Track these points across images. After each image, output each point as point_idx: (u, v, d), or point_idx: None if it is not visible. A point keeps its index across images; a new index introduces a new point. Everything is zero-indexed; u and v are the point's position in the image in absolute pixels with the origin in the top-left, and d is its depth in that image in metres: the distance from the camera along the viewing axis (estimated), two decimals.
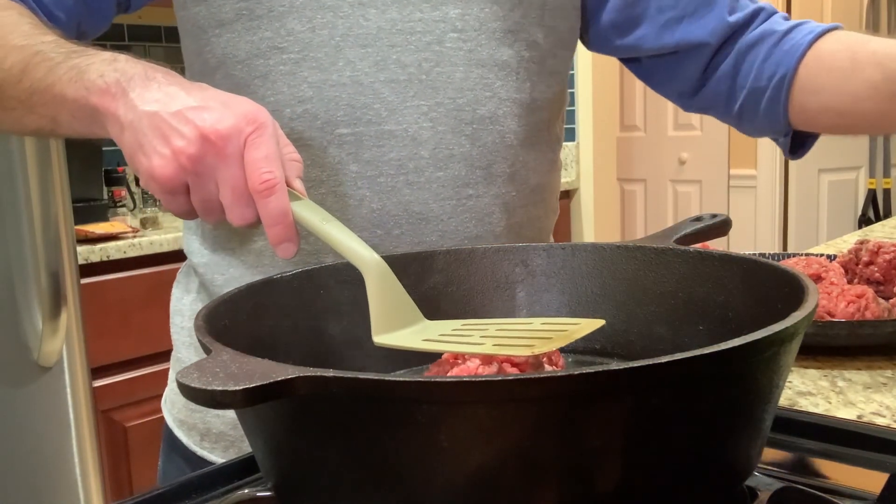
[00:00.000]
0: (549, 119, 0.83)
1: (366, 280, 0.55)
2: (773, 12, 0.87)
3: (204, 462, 0.82)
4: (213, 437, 0.82)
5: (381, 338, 0.54)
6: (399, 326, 0.55)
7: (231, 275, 0.79)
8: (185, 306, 0.85)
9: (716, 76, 0.87)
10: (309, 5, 0.72)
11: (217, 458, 0.81)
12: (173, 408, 0.87)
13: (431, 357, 0.59)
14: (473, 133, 0.75)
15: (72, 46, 0.64)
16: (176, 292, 0.88)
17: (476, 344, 0.50)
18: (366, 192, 0.73)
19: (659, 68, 0.90)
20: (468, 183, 0.75)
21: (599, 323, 0.51)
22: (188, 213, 0.58)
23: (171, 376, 0.90)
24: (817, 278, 0.91)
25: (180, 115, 0.55)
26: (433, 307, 0.67)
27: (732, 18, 0.85)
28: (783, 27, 0.85)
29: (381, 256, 0.68)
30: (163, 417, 0.90)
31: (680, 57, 0.87)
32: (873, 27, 3.66)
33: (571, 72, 3.22)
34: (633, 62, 0.93)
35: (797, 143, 0.88)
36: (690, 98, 0.91)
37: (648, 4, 0.86)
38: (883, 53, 0.76)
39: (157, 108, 0.55)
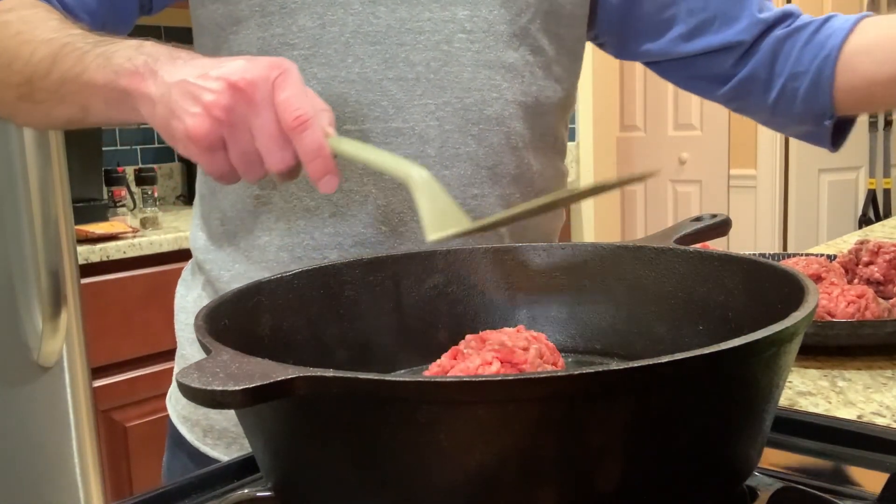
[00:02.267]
0: (554, 124, 0.84)
1: (414, 191, 0.57)
2: (801, 14, 0.88)
3: (207, 458, 0.82)
4: (216, 434, 0.82)
5: (434, 235, 0.55)
6: (450, 227, 0.56)
7: (237, 271, 0.79)
8: (189, 303, 0.85)
9: (750, 67, 0.87)
10: (320, 2, 0.72)
11: (220, 454, 0.82)
12: (177, 404, 0.87)
13: (431, 357, 0.59)
14: (479, 133, 0.76)
15: (98, 36, 0.65)
16: (181, 289, 0.88)
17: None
18: (371, 189, 0.74)
19: (690, 67, 0.90)
20: (473, 182, 0.76)
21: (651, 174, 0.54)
22: (230, 174, 0.59)
23: (176, 373, 0.90)
24: (817, 278, 0.91)
25: (206, 76, 0.56)
26: (433, 307, 0.67)
27: (763, 15, 0.86)
28: (819, 20, 0.86)
29: (383, 256, 0.68)
30: (163, 417, 0.90)
31: (712, 56, 0.87)
32: None
33: None
34: (660, 64, 0.92)
35: (836, 133, 0.87)
36: (720, 88, 0.90)
37: (679, 8, 0.86)
38: None
39: (184, 76, 0.57)
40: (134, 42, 0.63)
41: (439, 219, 0.56)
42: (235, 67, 0.56)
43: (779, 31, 0.86)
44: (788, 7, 0.88)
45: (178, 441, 0.87)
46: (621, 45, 0.91)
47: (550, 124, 0.83)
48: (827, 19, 0.85)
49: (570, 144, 3.28)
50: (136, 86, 0.59)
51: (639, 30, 0.88)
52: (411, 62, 0.73)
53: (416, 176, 0.57)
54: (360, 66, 0.73)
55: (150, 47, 0.61)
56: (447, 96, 0.74)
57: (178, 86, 0.57)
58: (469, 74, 0.75)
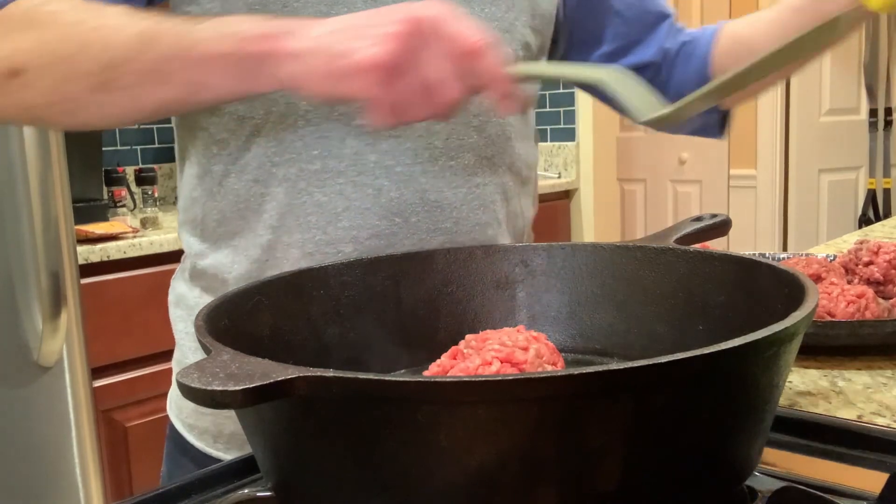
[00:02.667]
0: (533, 115, 0.90)
1: (610, 87, 0.61)
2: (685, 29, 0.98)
3: (215, 461, 0.82)
4: (227, 438, 0.81)
5: (645, 116, 0.59)
6: (657, 109, 0.59)
7: (237, 272, 0.78)
8: (191, 305, 0.84)
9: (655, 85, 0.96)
10: (323, 0, 0.73)
11: (233, 456, 0.81)
12: (181, 413, 0.86)
13: (431, 357, 0.59)
14: (480, 125, 0.79)
15: (176, 16, 0.66)
16: (181, 287, 0.86)
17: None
18: (384, 182, 0.75)
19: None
20: (476, 172, 0.79)
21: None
22: (398, 110, 0.59)
23: (175, 378, 0.89)
24: (817, 278, 0.91)
25: (373, 17, 0.58)
26: (433, 307, 0.67)
27: (667, 45, 0.94)
28: (692, 34, 0.96)
29: (383, 256, 0.68)
30: (163, 417, 0.89)
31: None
32: (873, 27, 3.66)
33: None
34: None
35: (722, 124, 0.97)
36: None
37: (609, 29, 0.93)
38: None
39: (344, 25, 0.58)
40: (237, 17, 0.62)
41: (644, 104, 0.59)
42: (400, 8, 0.57)
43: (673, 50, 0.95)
44: (684, 32, 0.97)
45: (183, 448, 0.86)
46: (559, 52, 0.95)
47: (531, 115, 0.89)
48: (697, 32, 0.96)
49: (569, 144, 3.28)
50: (271, 47, 0.58)
51: (576, 40, 0.93)
52: None
53: (607, 74, 0.61)
54: None
55: (266, 17, 0.61)
56: None
57: (341, 32, 0.57)
58: None
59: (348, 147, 0.74)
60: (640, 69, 0.92)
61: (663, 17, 0.94)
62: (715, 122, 0.95)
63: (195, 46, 0.61)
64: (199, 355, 0.44)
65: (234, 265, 0.78)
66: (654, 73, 0.93)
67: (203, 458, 0.84)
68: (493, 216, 0.80)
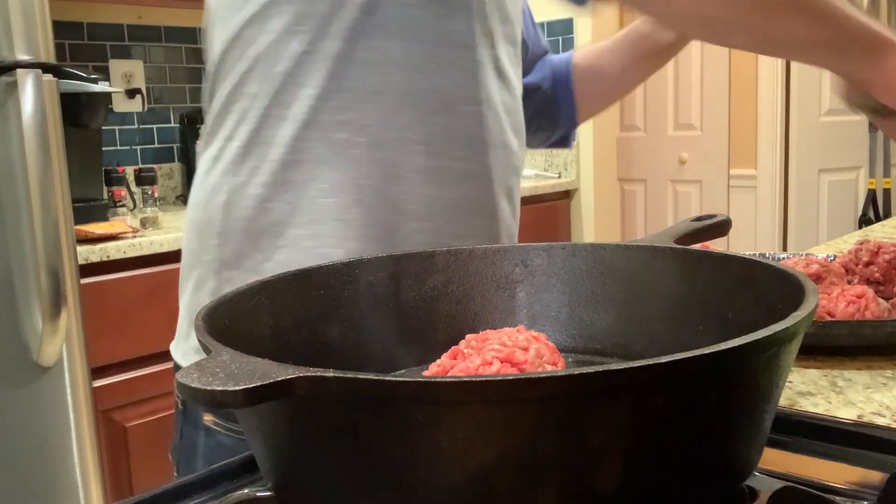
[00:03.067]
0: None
1: None
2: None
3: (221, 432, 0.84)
4: None
5: None
6: None
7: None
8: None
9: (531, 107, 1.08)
10: None
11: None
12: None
13: (431, 357, 0.59)
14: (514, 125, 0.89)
15: None
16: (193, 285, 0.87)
17: None
18: (451, 161, 0.82)
19: None
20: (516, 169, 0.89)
21: None
22: None
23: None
24: (817, 278, 0.91)
25: None
26: (433, 307, 0.67)
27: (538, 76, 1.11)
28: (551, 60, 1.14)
29: (383, 256, 0.68)
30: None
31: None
32: None
33: None
34: None
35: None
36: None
37: (526, 46, 1.05)
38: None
39: None
40: None
41: None
42: None
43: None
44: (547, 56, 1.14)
45: (194, 422, 0.87)
46: None
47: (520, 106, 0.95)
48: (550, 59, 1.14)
49: None
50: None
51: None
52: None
53: None
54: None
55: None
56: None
57: None
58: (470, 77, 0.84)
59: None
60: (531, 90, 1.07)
61: (546, 52, 1.13)
62: (568, 135, 1.15)
63: (836, 14, 0.73)
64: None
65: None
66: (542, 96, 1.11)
67: (210, 429, 0.85)
68: (496, 211, 0.87)
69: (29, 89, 1.45)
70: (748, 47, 0.82)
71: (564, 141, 1.17)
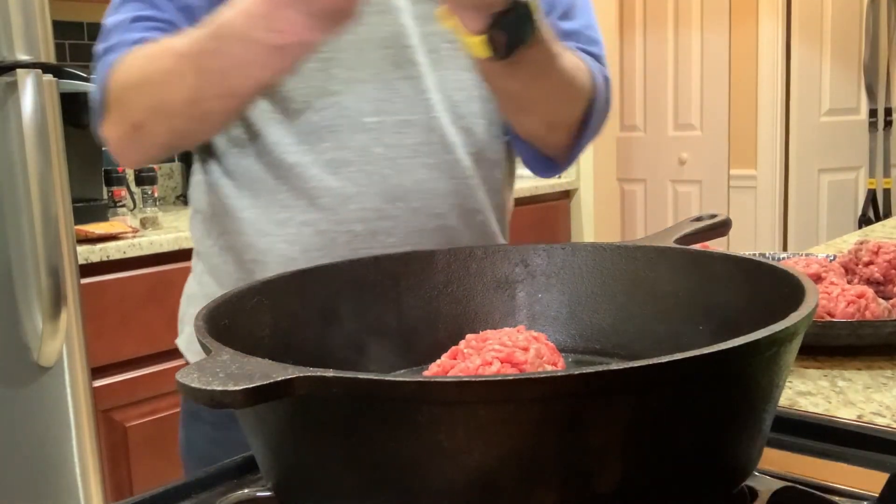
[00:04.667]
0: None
1: None
2: None
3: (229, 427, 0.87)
4: None
5: None
6: None
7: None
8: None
9: None
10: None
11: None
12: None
13: (431, 357, 0.59)
14: (466, 125, 0.87)
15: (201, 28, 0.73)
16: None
17: None
18: (389, 171, 0.83)
19: None
20: (465, 165, 0.86)
21: None
22: None
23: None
24: (817, 278, 0.91)
25: None
26: (433, 307, 0.67)
27: None
28: None
29: (383, 256, 0.68)
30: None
31: None
32: (873, 27, 3.66)
33: None
34: None
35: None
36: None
37: None
38: None
39: None
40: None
41: None
42: None
43: None
44: None
45: (197, 414, 0.91)
46: None
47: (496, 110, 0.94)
48: None
49: None
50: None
51: None
52: (415, 63, 0.84)
53: None
54: (375, 67, 0.83)
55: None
56: (442, 94, 0.85)
57: None
58: (454, 76, 0.86)
59: (357, 141, 0.83)
60: None
61: None
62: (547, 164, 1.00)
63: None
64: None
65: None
66: None
67: (217, 422, 0.88)
68: (482, 204, 0.88)
69: (29, 89, 1.45)
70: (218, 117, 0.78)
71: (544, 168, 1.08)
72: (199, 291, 0.92)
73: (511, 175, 0.97)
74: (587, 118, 0.87)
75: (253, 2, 0.67)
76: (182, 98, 0.74)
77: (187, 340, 0.94)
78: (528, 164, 0.94)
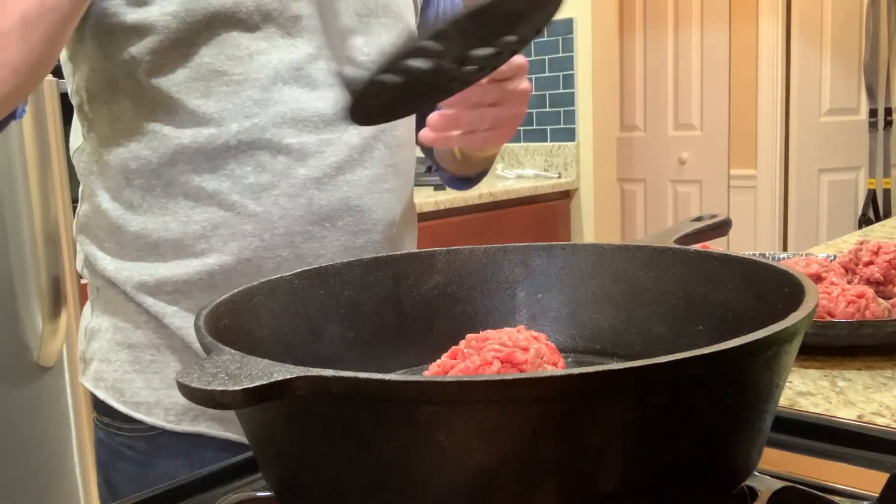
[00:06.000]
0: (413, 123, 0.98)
1: None
2: None
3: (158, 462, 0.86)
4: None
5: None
6: None
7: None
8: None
9: None
10: (244, 36, 0.79)
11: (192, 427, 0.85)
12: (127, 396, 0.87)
13: (431, 357, 0.59)
14: (386, 138, 0.88)
15: None
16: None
17: None
18: (314, 192, 0.82)
19: None
20: (385, 178, 0.87)
21: None
22: None
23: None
24: (817, 278, 0.91)
25: None
26: (433, 307, 0.67)
27: None
28: None
29: (383, 256, 0.68)
30: None
31: None
32: (873, 27, 3.66)
33: (571, 71, 3.22)
34: None
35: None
36: None
37: None
38: None
39: None
40: None
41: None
42: None
43: None
44: None
45: (115, 453, 0.87)
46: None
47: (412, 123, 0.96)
48: None
49: (570, 144, 3.28)
50: None
51: None
52: (331, 83, 0.83)
53: None
54: (290, 88, 0.81)
55: None
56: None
57: None
58: None
59: (279, 163, 0.81)
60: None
61: None
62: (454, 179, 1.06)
63: None
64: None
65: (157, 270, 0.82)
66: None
67: (142, 461, 0.86)
68: (401, 214, 0.90)
69: None
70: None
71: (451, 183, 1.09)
72: (100, 324, 0.88)
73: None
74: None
75: None
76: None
77: (94, 378, 0.89)
78: (449, 185, 1.05)
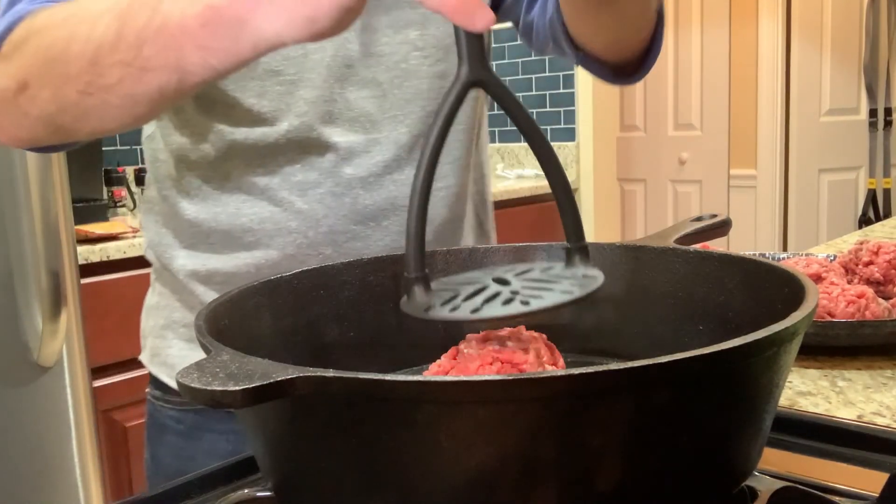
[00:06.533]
0: (486, 116, 0.96)
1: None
2: None
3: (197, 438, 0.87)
4: None
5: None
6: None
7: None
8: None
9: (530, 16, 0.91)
10: None
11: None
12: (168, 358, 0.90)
13: (431, 357, 0.59)
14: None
15: None
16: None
17: None
18: (359, 191, 0.81)
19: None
20: (439, 177, 0.84)
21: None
22: None
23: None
24: (817, 278, 0.91)
25: None
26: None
27: None
28: None
29: (383, 256, 0.68)
30: None
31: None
32: (873, 27, 3.66)
33: (571, 71, 3.22)
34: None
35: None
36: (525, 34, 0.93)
37: None
38: None
39: None
40: None
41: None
42: None
43: None
44: None
45: (163, 426, 0.91)
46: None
47: (478, 112, 0.92)
48: None
49: (569, 144, 3.28)
50: (243, 2, 0.51)
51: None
52: (378, 81, 0.81)
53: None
54: (340, 86, 0.80)
55: None
56: (412, 107, 0.83)
57: None
58: (426, 85, 0.83)
59: (326, 161, 0.80)
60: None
61: None
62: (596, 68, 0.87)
63: (168, 23, 0.54)
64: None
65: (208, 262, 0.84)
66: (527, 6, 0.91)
67: (185, 432, 0.87)
68: (457, 214, 0.88)
69: None
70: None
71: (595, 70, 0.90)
72: (159, 302, 0.92)
73: (479, 180, 0.94)
74: (659, 19, 0.80)
75: None
76: (83, 54, 0.59)
77: (151, 354, 0.93)
78: (604, 79, 0.86)
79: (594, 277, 0.54)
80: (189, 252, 0.86)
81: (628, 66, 0.84)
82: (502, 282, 0.55)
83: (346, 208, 0.81)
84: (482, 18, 0.48)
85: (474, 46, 0.49)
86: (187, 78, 0.57)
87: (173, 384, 0.88)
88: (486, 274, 0.58)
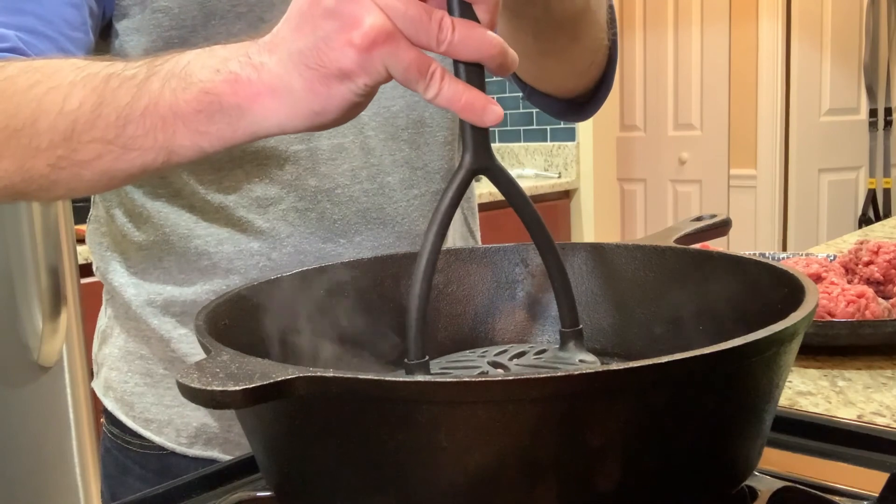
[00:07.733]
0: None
1: None
2: None
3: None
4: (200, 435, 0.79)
5: None
6: None
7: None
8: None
9: None
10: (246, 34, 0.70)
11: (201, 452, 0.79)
12: (131, 410, 0.82)
13: (431, 357, 0.59)
14: (410, 137, 0.78)
15: (138, 60, 0.55)
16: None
17: None
18: (326, 205, 0.75)
19: None
20: (412, 184, 0.78)
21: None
22: (418, 59, 0.48)
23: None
24: (817, 278, 0.91)
25: (326, 11, 0.46)
26: (433, 307, 0.67)
27: None
28: None
29: (383, 256, 0.68)
30: None
31: None
32: (873, 27, 3.66)
33: None
34: None
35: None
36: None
37: None
38: None
39: (308, 38, 0.47)
40: (189, 55, 0.52)
41: None
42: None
43: None
44: None
45: (124, 468, 0.82)
46: None
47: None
48: None
49: (570, 144, 3.28)
50: (245, 92, 0.48)
51: None
52: None
53: None
54: None
55: (220, 49, 0.51)
56: (375, 107, 0.75)
57: (306, 48, 0.47)
58: (390, 84, 0.76)
59: (287, 173, 0.73)
60: None
61: None
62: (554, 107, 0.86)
63: (157, 104, 0.52)
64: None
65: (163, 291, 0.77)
66: None
67: (154, 460, 0.80)
68: None
69: None
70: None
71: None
72: (113, 328, 0.82)
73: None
74: (611, 52, 0.77)
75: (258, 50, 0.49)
76: (55, 127, 0.55)
77: (105, 385, 0.83)
78: (553, 115, 0.84)
79: (591, 364, 0.55)
80: (139, 281, 0.78)
81: (579, 99, 0.84)
82: (499, 366, 0.58)
83: (312, 225, 0.74)
84: (491, 114, 0.47)
85: (479, 137, 0.49)
86: (173, 158, 0.54)
87: (131, 424, 0.80)
88: (483, 356, 0.60)
